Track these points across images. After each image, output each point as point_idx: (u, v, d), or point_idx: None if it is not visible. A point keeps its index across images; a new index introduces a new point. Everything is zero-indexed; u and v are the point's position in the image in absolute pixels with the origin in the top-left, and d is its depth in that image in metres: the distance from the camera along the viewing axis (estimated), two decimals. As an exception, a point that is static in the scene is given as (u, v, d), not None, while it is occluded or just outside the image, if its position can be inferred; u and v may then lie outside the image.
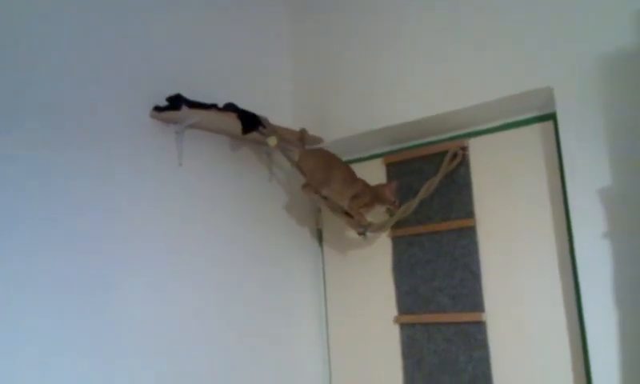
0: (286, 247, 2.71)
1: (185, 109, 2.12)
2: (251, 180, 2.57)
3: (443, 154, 2.49)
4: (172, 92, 2.17)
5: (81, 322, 1.82)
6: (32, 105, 1.80)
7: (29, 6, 1.83)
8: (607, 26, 1.99)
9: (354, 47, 2.65)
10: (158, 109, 2.13)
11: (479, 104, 2.25)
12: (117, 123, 2.04)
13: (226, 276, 2.36)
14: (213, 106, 2.21)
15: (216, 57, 2.50)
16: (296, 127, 2.59)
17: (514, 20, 2.19)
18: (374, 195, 2.43)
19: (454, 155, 2.47)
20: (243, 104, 2.34)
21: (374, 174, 2.67)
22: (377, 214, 2.53)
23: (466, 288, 2.42)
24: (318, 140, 2.67)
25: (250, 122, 2.31)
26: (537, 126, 2.32)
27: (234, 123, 2.28)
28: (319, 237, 2.95)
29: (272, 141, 2.36)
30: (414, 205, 2.45)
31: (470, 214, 2.44)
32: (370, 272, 2.74)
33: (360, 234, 2.54)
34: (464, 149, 2.47)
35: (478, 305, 2.38)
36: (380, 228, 2.52)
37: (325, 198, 2.49)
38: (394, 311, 2.63)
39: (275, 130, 2.38)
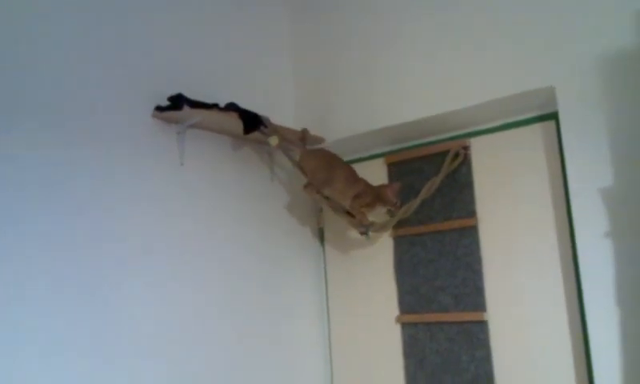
0: (287, 247, 2.71)
1: (186, 108, 2.12)
2: (253, 180, 2.57)
3: (445, 153, 2.49)
4: (173, 92, 2.17)
5: (81, 321, 1.82)
6: (33, 105, 1.80)
7: (29, 6, 1.83)
8: (609, 25, 1.99)
9: (355, 47, 2.65)
10: (159, 108, 2.14)
11: (481, 103, 2.25)
12: (118, 123, 2.04)
13: (227, 276, 2.36)
14: (214, 106, 2.21)
15: (217, 57, 2.50)
16: (297, 127, 2.59)
17: (515, 19, 2.19)
18: (375, 195, 2.42)
19: (456, 155, 2.47)
20: (244, 104, 2.34)
21: (375, 173, 2.67)
22: (378, 214, 2.53)
23: (467, 287, 2.42)
24: (320, 140, 2.67)
25: (252, 122, 2.31)
26: (538, 126, 2.31)
27: (235, 123, 2.28)
28: (321, 236, 2.95)
29: (273, 140, 2.36)
30: (415, 204, 2.45)
31: (472, 214, 2.44)
32: (371, 271, 2.74)
33: (362, 233, 2.54)
34: (465, 148, 2.47)
35: (480, 304, 2.37)
36: (382, 228, 2.51)
37: (326, 197, 2.49)
38: (395, 311, 2.63)
39: (277, 130, 2.39)
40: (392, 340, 2.62)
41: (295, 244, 2.77)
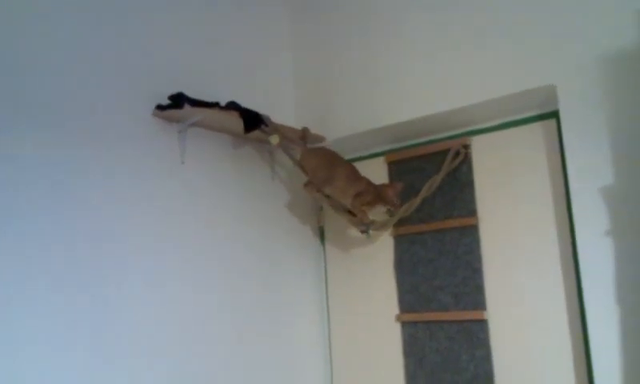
0: (287, 246, 2.72)
1: (187, 107, 2.12)
2: (253, 178, 2.57)
3: (445, 152, 2.49)
4: (174, 91, 2.17)
5: (81, 321, 1.82)
6: (34, 104, 1.80)
7: (29, 6, 1.83)
8: (610, 24, 1.99)
9: (356, 46, 2.65)
10: (160, 107, 2.14)
11: (481, 102, 2.25)
12: (119, 122, 2.04)
13: (227, 274, 2.37)
14: (215, 105, 2.21)
15: (218, 56, 2.50)
16: (298, 126, 2.59)
17: (516, 17, 2.18)
18: (376, 194, 2.42)
19: (456, 153, 2.47)
20: (245, 103, 2.34)
21: (375, 172, 2.67)
22: (379, 213, 2.53)
23: (468, 286, 2.42)
24: (320, 139, 2.67)
25: (253, 121, 2.31)
26: (539, 125, 2.32)
27: (236, 122, 2.28)
28: (321, 235, 2.95)
29: (274, 139, 2.36)
30: (416, 203, 2.45)
31: (473, 213, 2.44)
32: (371, 270, 2.74)
33: (362, 232, 2.54)
34: (466, 147, 2.47)
35: (480, 303, 2.38)
36: (382, 226, 2.51)
37: (327, 196, 2.49)
38: (395, 309, 2.63)
39: (277, 129, 2.39)
40: (392, 339, 2.63)
41: (295, 243, 2.77)
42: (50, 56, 1.87)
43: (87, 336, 1.83)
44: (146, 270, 2.05)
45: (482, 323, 2.36)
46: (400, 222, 2.56)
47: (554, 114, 2.25)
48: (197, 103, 2.15)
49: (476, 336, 2.37)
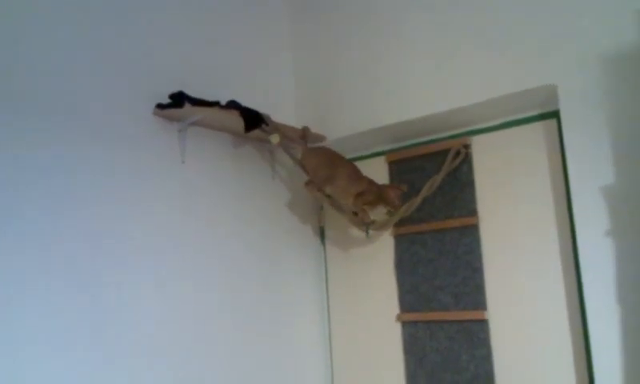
0: (288, 245, 2.71)
1: (187, 106, 2.12)
2: (254, 178, 2.57)
3: (446, 151, 2.49)
4: (174, 90, 2.17)
5: (81, 320, 1.82)
6: (34, 104, 1.80)
7: (30, 6, 1.83)
8: (611, 23, 1.99)
9: (356, 45, 2.65)
10: (160, 106, 2.13)
11: (482, 102, 2.25)
12: (119, 121, 2.04)
13: (227, 274, 2.36)
14: (215, 104, 2.21)
15: (218, 55, 2.50)
16: (298, 125, 2.59)
17: (517, 17, 2.19)
18: (378, 194, 2.42)
19: (457, 153, 2.47)
20: (245, 102, 2.34)
21: (376, 172, 2.67)
22: (379, 212, 2.53)
23: (468, 286, 2.42)
24: (321, 138, 2.67)
25: (253, 120, 2.31)
26: (539, 124, 2.32)
27: (236, 121, 2.28)
28: (321, 235, 2.95)
29: (274, 138, 2.36)
30: (416, 203, 2.45)
31: (473, 212, 2.44)
32: (372, 270, 2.74)
33: (363, 230, 2.53)
34: (467, 147, 2.47)
35: (480, 303, 2.38)
36: (383, 226, 2.51)
37: (328, 196, 2.48)
38: (396, 309, 2.63)
39: (278, 128, 2.38)
40: (392, 338, 2.63)
41: (296, 242, 2.77)
42: (50, 56, 1.86)
43: (87, 336, 1.83)
44: (146, 269, 2.05)
45: (483, 323, 2.36)
46: (400, 222, 2.56)
47: (555, 114, 2.25)
48: (197, 102, 2.15)
49: (476, 336, 2.37)
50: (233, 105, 2.28)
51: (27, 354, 1.67)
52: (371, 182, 2.43)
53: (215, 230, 2.34)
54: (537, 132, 2.32)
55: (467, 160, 2.47)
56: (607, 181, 1.97)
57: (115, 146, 2.01)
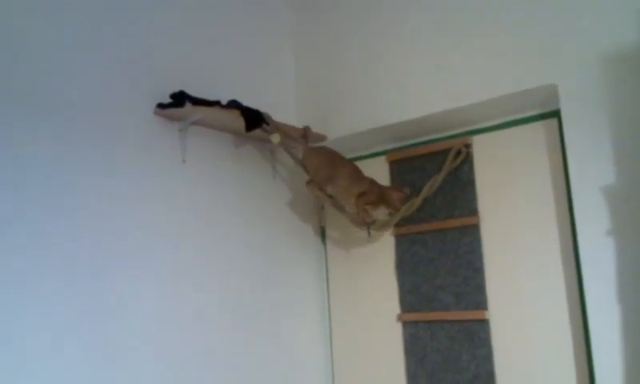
0: (288, 245, 2.71)
1: (188, 106, 2.12)
2: (254, 177, 2.57)
3: (446, 151, 2.49)
4: (175, 89, 2.17)
5: (81, 319, 1.82)
6: (36, 103, 1.80)
7: (30, 6, 1.83)
8: (611, 23, 1.99)
9: (357, 45, 2.65)
10: (161, 106, 2.14)
11: (483, 101, 2.25)
12: (120, 120, 2.04)
13: (228, 273, 2.37)
14: (216, 103, 2.21)
15: (219, 55, 2.50)
16: (299, 125, 2.59)
17: (517, 17, 2.18)
18: (380, 195, 2.41)
19: (458, 153, 2.46)
20: (246, 102, 2.34)
21: (377, 171, 2.67)
22: (380, 213, 2.53)
23: (469, 286, 2.42)
24: (322, 137, 2.67)
25: (254, 120, 2.31)
26: (540, 124, 2.31)
27: (237, 120, 2.28)
28: (322, 234, 2.95)
29: (275, 138, 2.36)
30: (417, 203, 2.45)
31: (474, 212, 2.44)
32: (372, 270, 2.74)
33: (364, 230, 2.53)
34: (467, 146, 2.47)
35: (481, 303, 2.37)
36: (383, 226, 2.51)
37: (329, 196, 2.48)
38: (396, 309, 2.63)
39: (278, 128, 2.38)
40: (393, 338, 2.63)
41: (297, 242, 2.77)
42: (50, 56, 1.87)
43: (87, 336, 1.83)
44: (147, 268, 2.05)
45: (483, 323, 2.35)
46: (401, 222, 2.56)
47: (556, 114, 2.25)
48: (198, 102, 2.15)
49: (477, 336, 2.37)
50: (234, 104, 2.28)
51: (27, 353, 1.67)
52: (373, 183, 2.43)
53: (216, 230, 2.34)
54: (537, 132, 2.32)
55: (468, 160, 2.47)
56: (608, 180, 1.96)
57: (116, 145, 2.01)
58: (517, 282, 2.31)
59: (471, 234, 2.43)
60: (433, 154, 2.57)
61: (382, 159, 2.75)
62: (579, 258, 2.04)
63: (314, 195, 2.57)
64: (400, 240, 2.66)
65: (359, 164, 2.57)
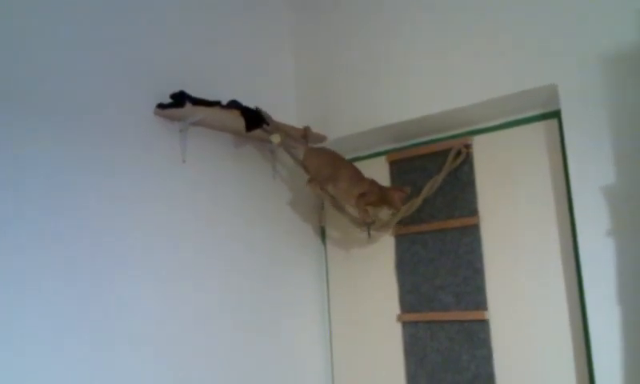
0: (288, 245, 2.71)
1: (188, 106, 2.12)
2: (254, 178, 2.57)
3: (447, 151, 2.49)
4: (175, 89, 2.17)
5: (81, 320, 1.82)
6: (36, 103, 1.80)
7: (31, 5, 1.83)
8: (611, 23, 1.99)
9: (357, 45, 2.65)
10: (161, 106, 2.14)
11: (483, 101, 2.25)
12: (120, 120, 2.04)
13: (228, 273, 2.37)
14: (216, 104, 2.21)
15: (219, 55, 2.50)
16: (300, 125, 2.59)
17: (517, 17, 2.18)
18: (381, 196, 2.41)
19: (458, 153, 2.46)
20: (246, 102, 2.34)
21: (377, 172, 2.67)
22: (382, 213, 2.53)
23: (469, 286, 2.42)
24: (322, 138, 2.67)
25: (254, 120, 2.31)
26: (540, 124, 2.31)
27: (237, 121, 2.28)
28: (322, 234, 2.95)
29: (275, 138, 2.36)
30: (417, 203, 2.45)
31: (474, 212, 2.44)
32: (372, 270, 2.74)
33: (364, 230, 2.53)
34: (467, 146, 2.47)
35: (481, 303, 2.37)
36: (383, 226, 2.51)
37: (331, 196, 2.48)
38: (396, 309, 2.63)
39: (279, 128, 2.38)
40: (393, 339, 2.62)
41: (297, 242, 2.77)
42: (51, 56, 1.87)
43: (87, 335, 1.83)
44: (147, 268, 2.05)
45: (483, 323, 2.35)
46: (401, 222, 2.56)
47: (556, 114, 2.25)
48: (198, 102, 2.15)
49: (477, 336, 2.36)
50: (234, 104, 2.28)
51: (27, 354, 1.67)
52: (373, 183, 2.43)
53: (216, 230, 2.34)
54: (538, 132, 2.32)
55: (468, 160, 2.47)
56: (608, 180, 1.96)
57: (116, 145, 2.01)
58: (517, 283, 2.31)
59: (471, 234, 2.43)
60: (433, 155, 2.57)
61: (382, 159, 2.75)
62: (579, 258, 2.04)
63: (316, 194, 2.57)
64: (400, 240, 2.66)
65: (359, 164, 2.57)
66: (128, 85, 2.09)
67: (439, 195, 2.52)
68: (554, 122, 2.27)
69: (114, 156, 2.00)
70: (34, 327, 1.70)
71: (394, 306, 2.64)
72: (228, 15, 2.58)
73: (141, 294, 2.01)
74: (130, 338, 1.95)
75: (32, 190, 1.75)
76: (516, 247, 2.32)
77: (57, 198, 1.81)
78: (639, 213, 1.91)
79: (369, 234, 2.57)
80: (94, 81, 1.98)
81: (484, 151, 2.45)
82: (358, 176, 2.44)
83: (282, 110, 2.71)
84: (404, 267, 2.63)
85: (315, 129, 2.61)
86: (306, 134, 2.50)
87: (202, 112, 2.17)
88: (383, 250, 2.70)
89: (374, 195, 2.40)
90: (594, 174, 1.99)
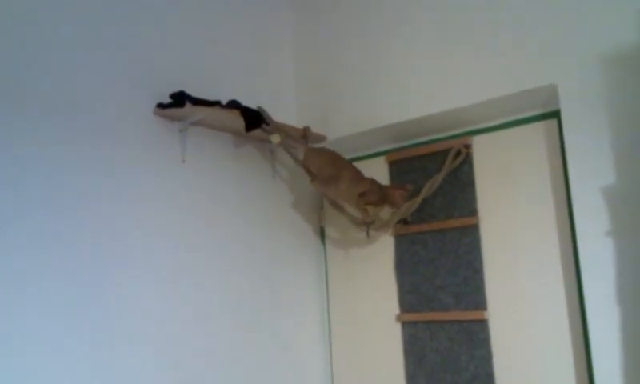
0: (288, 245, 2.71)
1: (188, 106, 2.12)
2: (254, 178, 2.57)
3: (446, 151, 2.49)
4: (175, 89, 2.17)
5: (81, 320, 1.82)
6: (36, 103, 1.80)
7: (31, 5, 1.83)
8: (611, 23, 1.99)
9: (357, 45, 2.65)
10: (161, 106, 2.14)
11: (482, 101, 2.25)
12: (120, 120, 2.04)
13: (228, 273, 2.37)
14: (216, 103, 2.21)
15: (219, 55, 2.50)
16: (300, 125, 2.59)
17: (518, 16, 2.18)
18: (382, 195, 2.41)
19: (458, 153, 2.47)
20: (246, 102, 2.34)
21: (376, 172, 2.67)
22: (383, 212, 2.53)
23: (468, 286, 2.42)
24: (322, 138, 2.67)
25: (254, 120, 2.31)
26: (540, 124, 2.31)
27: (237, 120, 2.28)
28: (322, 234, 2.95)
29: (275, 138, 2.36)
30: (417, 203, 2.45)
31: (474, 212, 2.44)
32: (372, 270, 2.74)
33: (364, 230, 2.53)
34: (467, 146, 2.47)
35: (480, 303, 2.37)
36: (383, 225, 2.51)
37: (332, 196, 2.48)
38: (396, 309, 2.63)
39: (279, 128, 2.38)
40: (392, 339, 2.63)
41: (296, 242, 2.77)
42: (51, 55, 1.87)
43: (87, 335, 1.83)
44: (147, 268, 2.05)
45: (483, 323, 2.36)
46: (401, 222, 2.56)
47: (556, 114, 2.25)
48: (198, 102, 2.15)
49: (476, 336, 2.37)
50: (234, 104, 2.28)
51: (27, 353, 1.67)
52: (373, 182, 2.43)
53: (215, 230, 2.34)
54: (537, 132, 2.32)
55: (468, 160, 2.47)
56: (607, 181, 1.96)
57: (116, 145, 2.01)
58: (516, 283, 2.31)
59: (471, 235, 2.43)
60: (433, 155, 2.57)
61: (382, 159, 2.75)
62: (579, 258, 2.04)
63: (321, 192, 2.55)
64: (399, 240, 2.66)
65: (359, 164, 2.57)
66: (128, 85, 2.09)
67: (439, 195, 2.52)
68: (553, 122, 2.27)
69: (113, 156, 2.00)
70: (34, 327, 1.70)
71: (393, 306, 2.64)
72: (228, 15, 2.58)
73: (141, 293, 2.01)
74: (130, 338, 1.95)
75: (32, 189, 1.75)
76: (516, 247, 2.32)
77: (57, 198, 1.81)
78: (639, 213, 1.91)
79: (367, 233, 2.56)
80: (94, 81, 1.98)
81: (484, 151, 2.45)
82: (358, 176, 2.44)
83: (282, 110, 2.72)
84: (403, 267, 2.63)
85: (315, 129, 2.61)
86: (305, 134, 2.50)
87: (201, 112, 2.17)
88: (383, 250, 2.71)
89: (374, 194, 2.40)
90: (593, 174, 1.99)
